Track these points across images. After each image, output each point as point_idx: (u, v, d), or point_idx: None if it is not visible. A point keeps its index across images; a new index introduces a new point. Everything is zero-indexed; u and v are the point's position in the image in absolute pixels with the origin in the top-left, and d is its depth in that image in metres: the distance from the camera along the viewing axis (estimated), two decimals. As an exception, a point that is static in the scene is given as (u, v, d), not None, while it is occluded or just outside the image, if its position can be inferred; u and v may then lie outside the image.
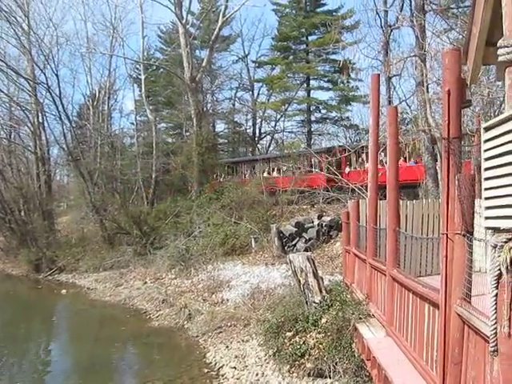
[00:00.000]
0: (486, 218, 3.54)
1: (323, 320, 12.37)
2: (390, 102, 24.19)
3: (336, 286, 14.83)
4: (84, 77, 59.92)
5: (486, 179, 3.54)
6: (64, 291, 28.98)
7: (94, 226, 39.84)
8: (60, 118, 41.01)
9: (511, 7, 3.60)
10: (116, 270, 31.25)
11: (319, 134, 52.54)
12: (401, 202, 13.35)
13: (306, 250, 22.24)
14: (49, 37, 42.22)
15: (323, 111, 51.07)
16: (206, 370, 14.32)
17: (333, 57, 45.76)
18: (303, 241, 24.23)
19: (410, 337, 7.99)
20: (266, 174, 37.02)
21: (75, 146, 41.75)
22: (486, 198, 3.54)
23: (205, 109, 46.24)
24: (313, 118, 50.93)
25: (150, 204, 38.51)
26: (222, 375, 13.63)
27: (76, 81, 79.12)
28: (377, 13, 24.03)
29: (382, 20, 24.22)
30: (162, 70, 49.58)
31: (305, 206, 29.60)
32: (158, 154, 40.48)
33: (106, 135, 46.59)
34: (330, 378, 11.11)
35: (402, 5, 23.26)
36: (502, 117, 3.36)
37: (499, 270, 3.79)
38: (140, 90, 47.17)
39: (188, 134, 42.46)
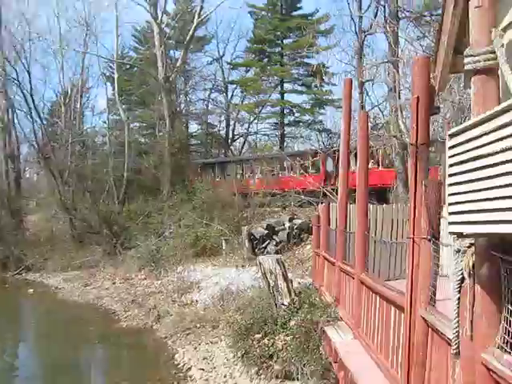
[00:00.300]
0: (450, 223, 3.60)
1: (292, 322, 12.43)
2: (362, 107, 24.42)
3: (305, 289, 14.92)
4: (56, 74, 59.17)
5: (450, 185, 3.61)
6: (31, 290, 28.57)
7: (64, 224, 39.44)
8: (31, 115, 40.65)
9: (477, 18, 3.68)
10: (85, 270, 30.99)
11: (292, 137, 52.74)
12: (371, 206, 13.53)
13: (276, 252, 22.31)
14: (21, 32, 41.76)
15: (297, 114, 51.29)
16: (174, 372, 14.28)
17: (307, 60, 45.98)
18: (274, 243, 24.28)
19: (376, 340, 8.06)
20: (259, 175, 36.85)
21: (46, 144, 41.23)
22: (450, 204, 3.61)
23: (178, 109, 46.15)
24: (286, 121, 51.06)
25: (121, 204, 38.20)
26: (190, 377, 13.61)
27: (48, 78, 78.18)
28: (351, 18, 24.27)
29: (357, 25, 24.46)
30: (135, 69, 49.32)
31: (276, 209, 29.70)
32: (130, 154, 40.18)
33: (78, 133, 46.13)
34: (298, 380, 11.15)
35: (377, 11, 23.54)
36: (466, 124, 3.43)
37: (462, 274, 3.87)
38: (113, 89, 46.81)
39: (161, 134, 42.24)
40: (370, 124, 28.82)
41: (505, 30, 3.72)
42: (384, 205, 16.04)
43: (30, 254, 35.41)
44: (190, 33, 40.35)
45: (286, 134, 51.28)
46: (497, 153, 2.99)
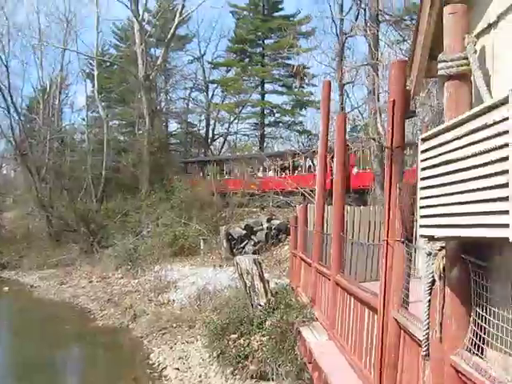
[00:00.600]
0: (421, 226, 3.64)
1: (268, 323, 12.44)
2: (342, 109, 24.51)
3: (282, 290, 14.94)
4: (35, 70, 58.52)
5: (422, 189, 3.65)
6: (6, 288, 28.18)
7: (40, 222, 39.04)
8: (8, 111, 40.16)
9: (451, 24, 3.73)
10: (61, 268, 30.75)
11: (272, 138, 52.76)
12: (349, 207, 13.61)
13: (254, 252, 22.35)
14: (-1, 27, 41.35)
15: (277, 115, 51.33)
16: (148, 371, 14.23)
17: (288, 61, 45.96)
18: (252, 243, 24.31)
19: (350, 341, 8.11)
20: (260, 174, 35.79)
21: (23, 140, 40.81)
22: (421, 207, 3.65)
23: (158, 107, 45.86)
24: (266, 122, 51.05)
25: (98, 202, 37.95)
26: (165, 376, 13.57)
27: (27, 73, 77.33)
28: (333, 20, 24.36)
29: (338, 27, 24.56)
30: (115, 66, 48.98)
31: (254, 209, 29.71)
32: (108, 152, 39.91)
33: (56, 130, 45.74)
34: (273, 380, 11.16)
35: (358, 14, 23.65)
36: (438, 128, 3.47)
37: (432, 277, 3.91)
38: (93, 86, 46.44)
39: (140, 132, 42.02)
40: (349, 126, 28.98)
41: (478, 36, 3.76)
42: (361, 206, 16.16)
43: (6, 252, 35.05)
44: (171, 31, 40.20)
45: (266, 135, 51.28)
46: (468, 157, 3.02)
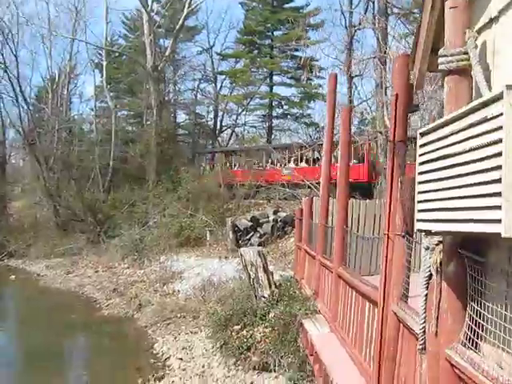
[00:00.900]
0: (418, 220, 3.65)
1: (271, 314, 12.48)
2: (350, 102, 24.48)
3: (286, 282, 14.98)
4: (44, 59, 58.64)
5: (420, 183, 3.65)
6: (13, 277, 28.39)
7: (48, 211, 39.23)
8: (17, 100, 40.31)
9: (452, 19, 3.72)
10: (68, 258, 30.89)
11: (280, 130, 52.68)
12: (354, 201, 13.62)
13: (260, 244, 22.38)
14: (9, 16, 41.45)
15: (285, 107, 51.20)
16: (152, 361, 14.32)
17: (297, 53, 45.84)
18: (258, 235, 24.36)
19: (351, 333, 8.14)
20: (292, 164, 33.07)
21: (32, 130, 40.97)
22: (419, 202, 3.65)
23: (166, 98, 45.91)
24: (274, 114, 50.98)
25: (106, 192, 38.11)
26: (168, 366, 13.65)
27: (35, 63, 77.54)
28: (342, 13, 24.30)
29: (347, 20, 24.51)
30: (124, 56, 49.01)
31: (261, 201, 29.74)
32: (116, 142, 40.04)
33: (65, 120, 45.89)
34: (275, 371, 11.19)
35: (367, 7, 23.59)
36: (437, 122, 3.47)
37: (429, 271, 3.92)
38: (101, 76, 46.52)
39: (148, 123, 42.06)
40: (357, 119, 28.79)
41: (479, 31, 3.74)
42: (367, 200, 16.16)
43: (13, 241, 35.22)
44: (180, 22, 40.11)
45: (274, 127, 51.23)
46: (465, 152, 3.02)
